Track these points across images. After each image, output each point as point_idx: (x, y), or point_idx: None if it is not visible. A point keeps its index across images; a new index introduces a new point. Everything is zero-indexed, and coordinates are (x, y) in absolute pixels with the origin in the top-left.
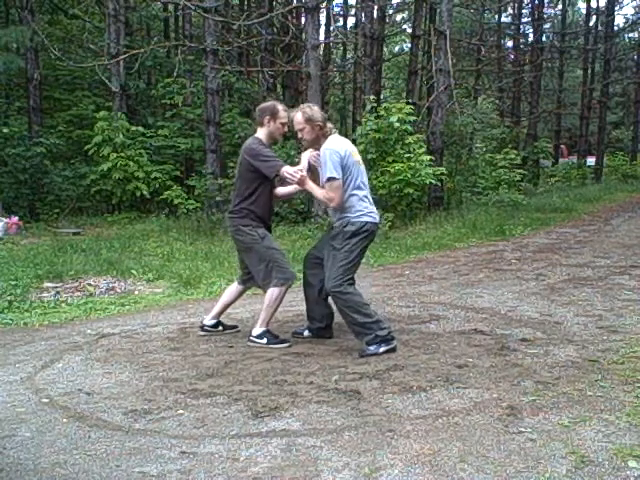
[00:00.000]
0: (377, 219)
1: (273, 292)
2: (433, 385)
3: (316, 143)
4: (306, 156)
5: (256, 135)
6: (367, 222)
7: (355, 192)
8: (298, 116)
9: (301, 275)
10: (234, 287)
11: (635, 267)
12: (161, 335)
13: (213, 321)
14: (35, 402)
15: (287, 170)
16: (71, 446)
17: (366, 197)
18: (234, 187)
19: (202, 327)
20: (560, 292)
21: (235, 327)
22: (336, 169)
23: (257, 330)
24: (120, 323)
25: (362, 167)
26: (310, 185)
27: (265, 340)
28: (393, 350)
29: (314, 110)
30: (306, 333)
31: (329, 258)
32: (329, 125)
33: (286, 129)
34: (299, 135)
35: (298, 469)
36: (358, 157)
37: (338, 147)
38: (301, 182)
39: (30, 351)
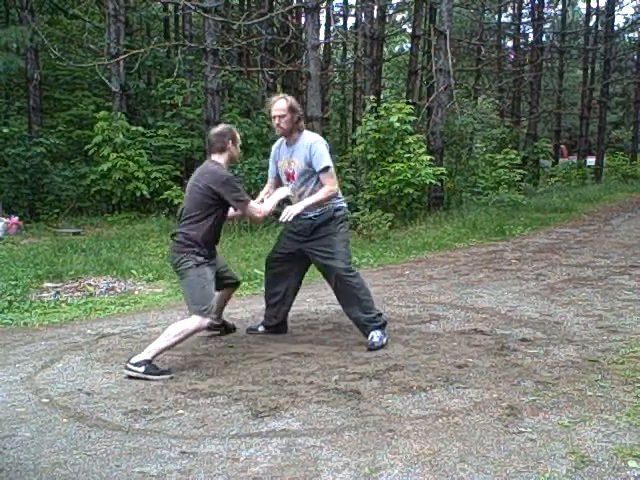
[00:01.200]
0: None
1: (192, 322)
2: (433, 385)
3: (288, 134)
4: (282, 193)
5: (216, 160)
6: (345, 207)
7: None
8: (282, 102)
9: None
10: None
11: (635, 267)
12: None
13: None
14: (35, 402)
15: (260, 210)
16: (71, 446)
17: None
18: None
19: None
20: (560, 292)
21: (233, 327)
22: (330, 158)
23: (140, 357)
24: (120, 323)
25: None
26: (298, 208)
27: (143, 369)
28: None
29: (296, 101)
30: (261, 329)
31: (328, 245)
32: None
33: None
34: (276, 121)
35: (298, 469)
36: None
37: (322, 139)
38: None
39: (30, 351)
